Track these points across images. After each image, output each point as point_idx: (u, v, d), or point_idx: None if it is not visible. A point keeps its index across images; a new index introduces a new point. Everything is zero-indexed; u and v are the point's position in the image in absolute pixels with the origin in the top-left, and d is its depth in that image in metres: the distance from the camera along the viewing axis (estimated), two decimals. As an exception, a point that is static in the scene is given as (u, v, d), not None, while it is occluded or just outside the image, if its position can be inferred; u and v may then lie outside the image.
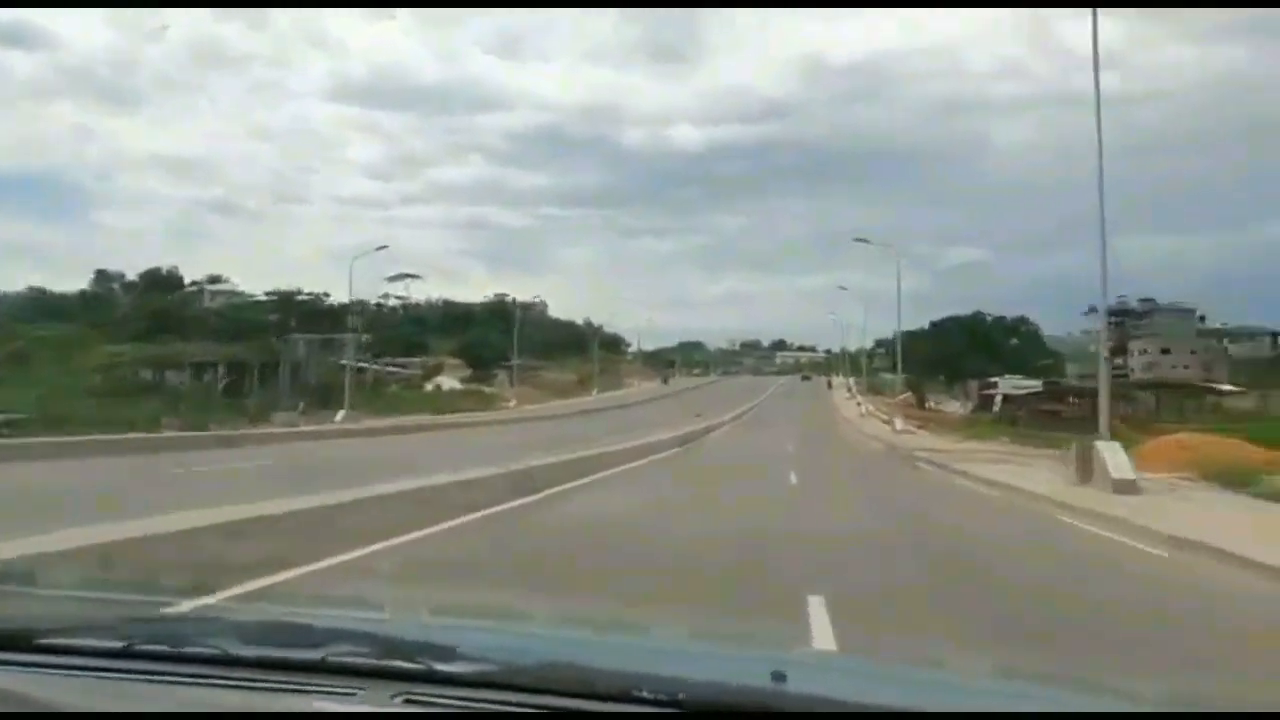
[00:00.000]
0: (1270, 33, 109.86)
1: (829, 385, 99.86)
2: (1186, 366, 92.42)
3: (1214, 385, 51.79)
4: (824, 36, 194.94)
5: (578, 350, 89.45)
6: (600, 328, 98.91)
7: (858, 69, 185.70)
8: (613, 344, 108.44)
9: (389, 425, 30.61)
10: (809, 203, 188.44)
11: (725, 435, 36.98)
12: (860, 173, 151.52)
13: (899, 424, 39.07)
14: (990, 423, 44.59)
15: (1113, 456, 14.94)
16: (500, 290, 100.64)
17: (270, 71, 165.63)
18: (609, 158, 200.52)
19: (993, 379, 59.01)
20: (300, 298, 79.53)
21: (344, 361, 47.12)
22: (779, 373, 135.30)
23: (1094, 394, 49.71)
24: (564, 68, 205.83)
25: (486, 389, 62.67)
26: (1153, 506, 12.61)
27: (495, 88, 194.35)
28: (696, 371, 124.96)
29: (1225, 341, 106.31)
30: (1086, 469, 15.44)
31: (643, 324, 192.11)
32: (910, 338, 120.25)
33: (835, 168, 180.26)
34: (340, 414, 34.30)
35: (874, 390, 79.00)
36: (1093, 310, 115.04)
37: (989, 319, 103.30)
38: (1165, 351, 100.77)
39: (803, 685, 1.35)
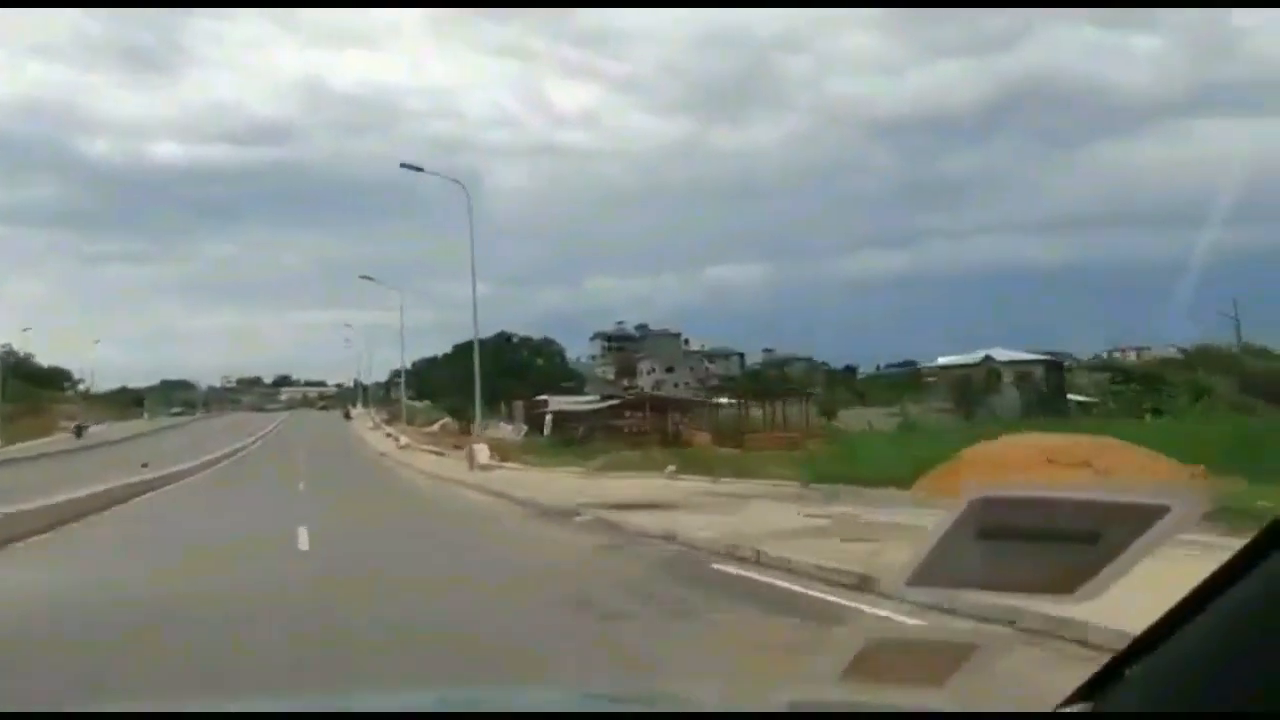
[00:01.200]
0: (713, 111, 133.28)
1: (347, 416, 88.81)
2: (688, 383, 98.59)
3: (809, 390, 51.21)
4: (326, 64, 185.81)
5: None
6: (28, 357, 73.99)
7: (361, 101, 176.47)
8: (50, 380, 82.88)
9: None
10: (316, 232, 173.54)
11: (179, 497, 22.31)
12: (368, 204, 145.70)
13: (483, 456, 28.10)
14: (557, 445, 37.58)
15: None
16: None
17: None
18: (69, 170, 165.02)
19: (541, 397, 53.07)
20: None
21: None
22: (286, 408, 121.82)
23: (665, 405, 45.36)
24: (4, 59, 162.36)
25: None
26: None
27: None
28: (176, 411, 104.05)
29: (706, 361, 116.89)
30: None
31: (96, 357, 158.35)
32: (430, 364, 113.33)
33: (341, 198, 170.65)
34: None
35: (403, 418, 68.93)
36: (598, 336, 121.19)
37: (514, 340, 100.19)
38: (670, 370, 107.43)
39: None
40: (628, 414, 43.03)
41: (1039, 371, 51.93)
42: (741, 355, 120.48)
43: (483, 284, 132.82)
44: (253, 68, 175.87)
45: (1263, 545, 0.62)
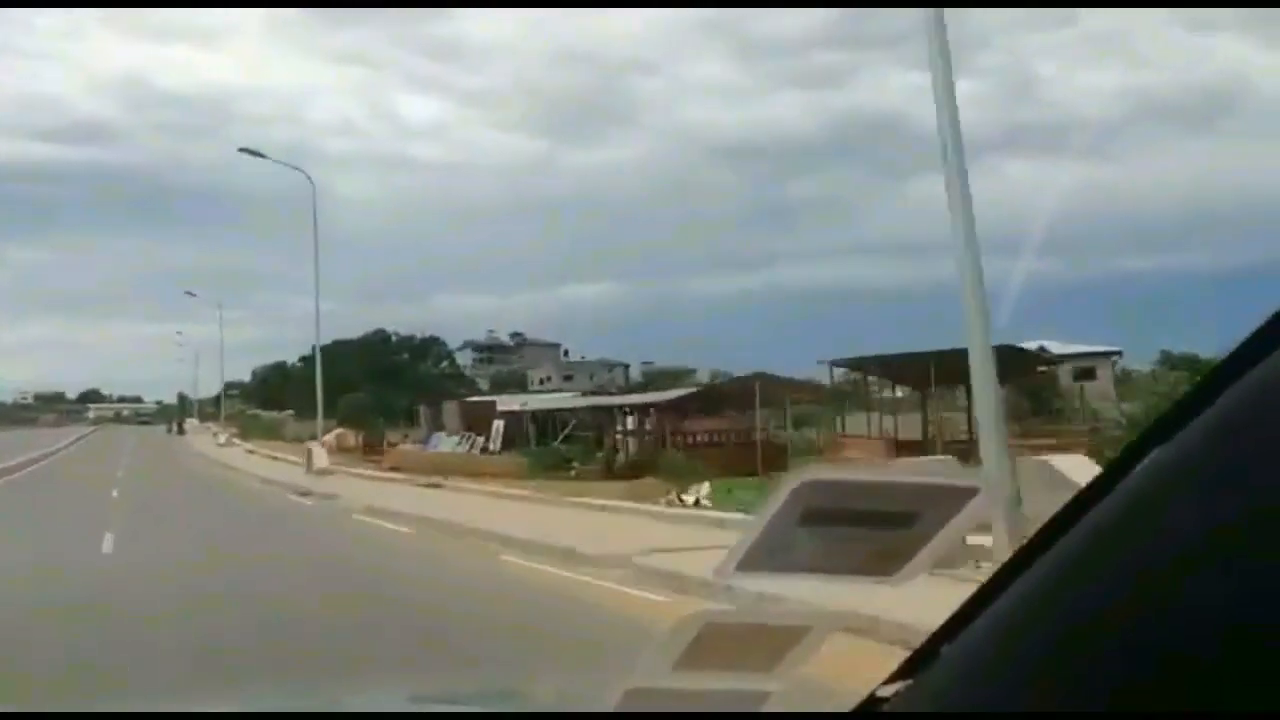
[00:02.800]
0: (567, 129, 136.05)
1: (177, 430, 72.69)
2: (594, 391, 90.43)
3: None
4: (153, 60, 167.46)
5: None
6: None
7: (195, 101, 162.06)
8: None
9: None
10: (140, 240, 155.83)
11: None
12: (201, 212, 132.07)
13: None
14: (558, 463, 23.97)
15: None
16: None
17: None
18: None
19: (485, 398, 39.38)
20: None
21: None
22: (95, 425, 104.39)
23: (747, 398, 19.86)
24: None
25: None
26: None
27: None
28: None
29: (609, 369, 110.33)
30: None
31: None
32: (277, 372, 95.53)
33: (171, 204, 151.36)
34: None
35: (261, 432, 52.88)
36: (468, 345, 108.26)
37: (393, 338, 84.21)
38: (568, 378, 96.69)
39: None
40: (624, 414, 29.94)
41: (1104, 368, 42.66)
42: (626, 366, 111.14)
43: (326, 300, 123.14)
44: (69, 59, 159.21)
45: (1063, 522, 0.63)
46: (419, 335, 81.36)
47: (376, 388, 73.33)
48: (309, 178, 33.56)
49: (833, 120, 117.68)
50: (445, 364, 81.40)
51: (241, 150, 34.58)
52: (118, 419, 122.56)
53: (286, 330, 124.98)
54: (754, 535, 0.70)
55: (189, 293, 63.69)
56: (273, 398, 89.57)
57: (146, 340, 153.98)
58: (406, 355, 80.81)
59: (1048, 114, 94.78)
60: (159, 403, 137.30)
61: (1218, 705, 0.51)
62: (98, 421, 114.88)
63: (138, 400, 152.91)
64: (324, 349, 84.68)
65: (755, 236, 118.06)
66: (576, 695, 1.72)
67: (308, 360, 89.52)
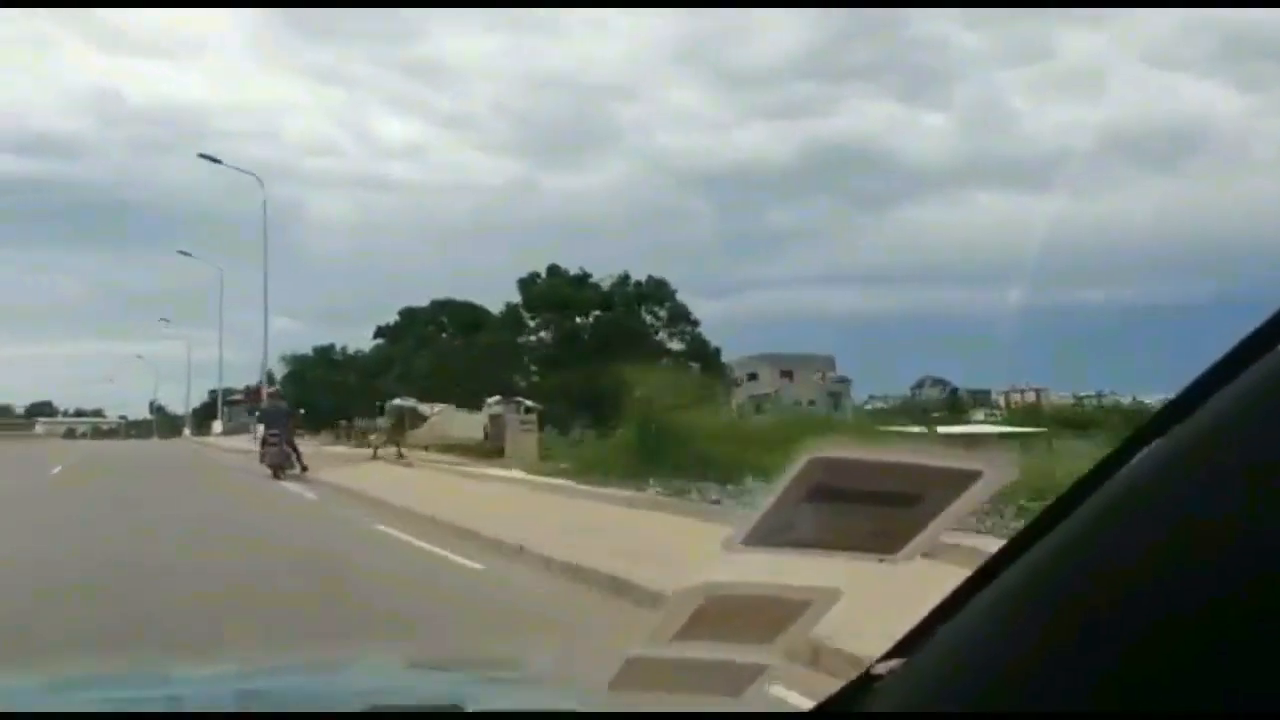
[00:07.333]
0: (540, 154, 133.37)
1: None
2: (812, 401, 75.90)
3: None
4: (123, 73, 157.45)
5: None
6: None
7: (166, 116, 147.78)
8: None
9: None
10: (102, 256, 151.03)
11: None
12: (170, 229, 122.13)
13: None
14: None
15: None
16: None
17: None
18: None
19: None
20: None
21: None
22: (44, 435, 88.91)
23: None
24: None
25: None
26: None
27: None
28: None
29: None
30: None
31: None
32: (318, 360, 62.55)
33: (136, 221, 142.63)
34: None
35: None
36: None
37: (588, 280, 49.40)
38: (787, 374, 76.04)
39: None
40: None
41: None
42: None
43: (296, 320, 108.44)
44: (36, 70, 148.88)
45: (1064, 507, 0.63)
46: (631, 275, 46.71)
47: (582, 368, 39.56)
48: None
49: (810, 150, 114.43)
50: (662, 325, 46.85)
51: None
52: (71, 435, 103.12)
53: (249, 351, 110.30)
54: (763, 510, 0.70)
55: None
56: (310, 396, 54.49)
57: (109, 357, 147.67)
58: (599, 312, 46.62)
59: (1018, 148, 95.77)
60: (123, 417, 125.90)
61: (1205, 693, 0.51)
62: (49, 434, 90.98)
63: (98, 414, 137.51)
64: (389, 328, 50.68)
65: (729, 263, 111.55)
66: (575, 662, 1.79)
67: (386, 331, 54.07)
